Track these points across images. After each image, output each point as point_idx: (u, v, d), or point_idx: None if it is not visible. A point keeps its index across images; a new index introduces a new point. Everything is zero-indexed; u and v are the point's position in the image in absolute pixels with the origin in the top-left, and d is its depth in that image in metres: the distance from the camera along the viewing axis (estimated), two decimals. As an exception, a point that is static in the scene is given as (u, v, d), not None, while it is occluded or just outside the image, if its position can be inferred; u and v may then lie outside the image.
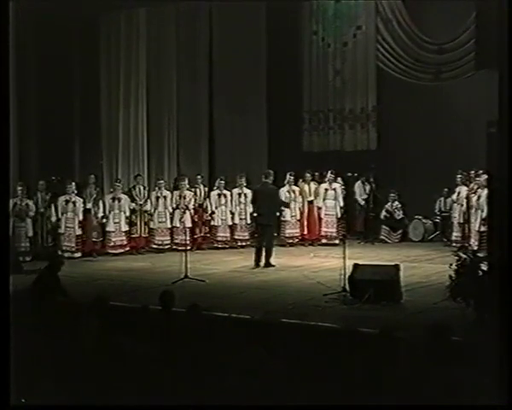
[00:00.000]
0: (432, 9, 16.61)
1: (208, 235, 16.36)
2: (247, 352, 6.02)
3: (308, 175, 16.69)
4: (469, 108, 15.99)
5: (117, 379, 6.06)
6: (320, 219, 16.50)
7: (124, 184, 16.78)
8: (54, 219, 14.83)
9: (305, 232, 16.66)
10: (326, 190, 16.37)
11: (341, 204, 16.26)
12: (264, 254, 13.47)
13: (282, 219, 16.28)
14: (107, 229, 15.35)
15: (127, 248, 15.52)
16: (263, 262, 13.45)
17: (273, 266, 13.37)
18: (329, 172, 16.40)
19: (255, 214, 14.28)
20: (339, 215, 16.21)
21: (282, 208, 15.28)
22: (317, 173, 16.96)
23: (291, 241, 16.42)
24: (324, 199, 16.37)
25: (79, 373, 6.22)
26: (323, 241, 16.38)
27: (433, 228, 16.88)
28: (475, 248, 13.14)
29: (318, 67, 18.53)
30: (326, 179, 16.43)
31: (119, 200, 15.47)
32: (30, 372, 6.10)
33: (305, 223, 16.65)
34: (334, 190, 16.27)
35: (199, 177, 16.66)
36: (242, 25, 17.88)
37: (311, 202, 16.67)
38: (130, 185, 16.70)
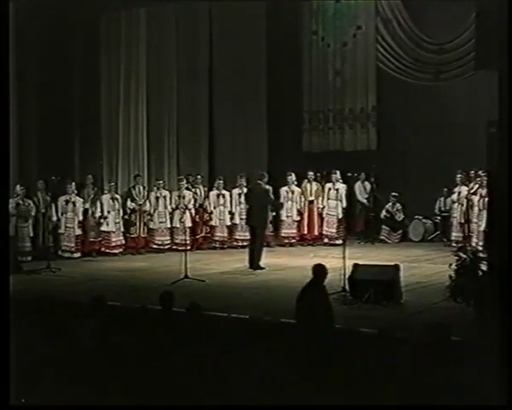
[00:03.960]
0: (432, 9, 16.61)
1: (209, 235, 16.37)
2: (247, 352, 6.02)
3: (311, 174, 16.69)
4: (469, 108, 15.98)
5: (116, 379, 6.06)
6: (322, 218, 16.50)
7: (124, 184, 16.78)
8: (54, 218, 14.82)
9: (305, 232, 16.66)
10: (329, 189, 16.36)
11: (344, 204, 16.19)
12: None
13: (281, 218, 16.29)
14: (107, 229, 15.33)
15: (122, 249, 15.49)
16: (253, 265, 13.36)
17: (262, 268, 13.19)
18: (333, 171, 16.38)
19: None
20: (340, 215, 16.15)
21: (278, 208, 15.31)
22: (318, 174, 16.95)
23: (287, 241, 16.42)
24: (327, 199, 16.36)
25: (79, 373, 6.22)
26: (325, 241, 16.39)
27: (433, 228, 16.88)
28: (481, 248, 13.07)
29: (318, 67, 18.52)
30: (332, 179, 16.41)
31: (117, 200, 15.49)
32: (30, 372, 6.10)
33: (305, 223, 16.65)
34: (337, 190, 16.25)
35: (199, 177, 16.67)
36: (242, 25, 17.87)
37: (311, 202, 16.68)
38: (130, 185, 16.69)
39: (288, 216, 16.40)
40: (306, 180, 16.71)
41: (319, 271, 7.79)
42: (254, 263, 13.25)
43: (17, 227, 14.08)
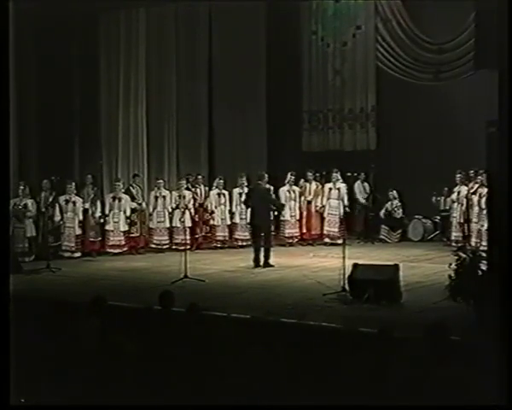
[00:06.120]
0: (432, 9, 16.61)
1: (209, 234, 16.37)
2: (247, 352, 6.02)
3: (310, 174, 16.69)
4: (469, 108, 15.98)
5: (116, 379, 6.06)
6: (322, 218, 16.49)
7: (124, 183, 16.76)
8: (57, 218, 14.83)
9: (305, 232, 16.66)
10: (330, 189, 16.35)
11: (347, 204, 16.18)
12: (262, 254, 13.48)
13: (282, 218, 16.28)
14: (107, 228, 15.34)
15: (125, 248, 15.50)
16: (262, 262, 13.46)
17: (272, 266, 13.36)
18: (334, 171, 16.38)
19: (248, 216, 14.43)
20: (342, 215, 16.14)
21: (277, 209, 15.33)
22: (317, 174, 16.95)
23: (290, 241, 16.42)
24: (328, 198, 16.35)
25: (79, 373, 6.22)
26: (326, 240, 16.39)
27: (433, 228, 16.88)
28: (480, 247, 13.05)
29: (318, 67, 18.54)
30: (332, 179, 16.40)
31: (120, 199, 15.47)
32: (30, 372, 6.10)
33: (304, 223, 16.65)
34: (339, 189, 16.24)
35: (199, 177, 16.67)
36: (242, 25, 17.88)
37: (309, 202, 16.68)
38: (129, 185, 16.67)
39: (292, 216, 16.37)
40: (303, 180, 16.70)
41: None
42: (264, 261, 13.38)
43: (13, 228, 14.08)
